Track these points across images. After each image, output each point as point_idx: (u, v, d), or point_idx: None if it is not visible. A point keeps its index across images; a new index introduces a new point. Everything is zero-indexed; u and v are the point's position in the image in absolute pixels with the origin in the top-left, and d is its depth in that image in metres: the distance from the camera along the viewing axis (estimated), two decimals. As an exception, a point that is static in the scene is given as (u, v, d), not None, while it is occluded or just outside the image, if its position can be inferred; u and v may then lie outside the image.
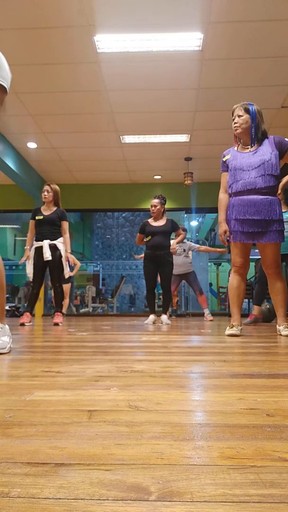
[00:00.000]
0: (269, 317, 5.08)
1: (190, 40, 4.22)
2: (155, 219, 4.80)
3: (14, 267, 14.45)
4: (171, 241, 4.82)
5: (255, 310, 4.67)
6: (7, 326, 1.84)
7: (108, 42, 4.24)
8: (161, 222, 4.75)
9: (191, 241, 6.72)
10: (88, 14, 3.86)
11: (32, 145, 6.90)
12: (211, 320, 5.74)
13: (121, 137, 6.57)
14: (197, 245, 5.99)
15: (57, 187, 4.57)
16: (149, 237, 4.71)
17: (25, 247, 4.61)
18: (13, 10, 3.80)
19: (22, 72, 4.79)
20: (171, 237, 4.93)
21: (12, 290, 10.94)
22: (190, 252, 6.00)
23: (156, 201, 4.74)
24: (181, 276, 5.93)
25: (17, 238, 16.22)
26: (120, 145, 6.88)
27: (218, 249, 5.79)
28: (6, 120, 6.05)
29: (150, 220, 4.82)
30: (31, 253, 4.47)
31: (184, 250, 5.94)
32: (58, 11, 3.82)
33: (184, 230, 5.55)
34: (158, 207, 4.74)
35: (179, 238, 4.91)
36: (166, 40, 4.22)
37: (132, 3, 3.73)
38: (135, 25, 4.02)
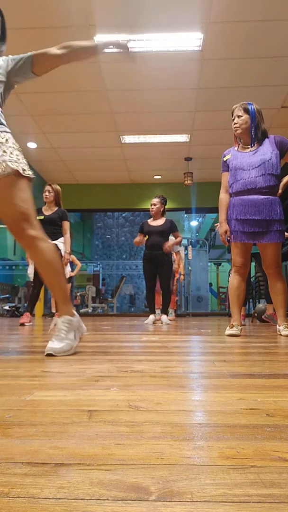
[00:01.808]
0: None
1: (190, 40, 4.22)
2: (154, 219, 4.80)
3: (14, 267, 14.43)
4: (170, 237, 4.77)
5: (270, 308, 4.50)
6: (77, 317, 1.63)
7: (108, 42, 4.24)
8: (159, 222, 4.74)
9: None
10: (88, 14, 3.86)
11: (32, 145, 6.90)
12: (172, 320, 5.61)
13: (121, 137, 6.57)
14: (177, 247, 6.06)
15: (58, 187, 4.57)
16: (147, 237, 4.71)
17: None
18: (14, 10, 3.80)
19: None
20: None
21: (12, 290, 10.94)
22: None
23: (156, 200, 4.75)
24: None
25: (17, 238, 16.17)
26: (120, 145, 6.88)
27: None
28: (6, 120, 6.05)
29: (149, 220, 4.83)
30: None
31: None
32: (58, 11, 3.82)
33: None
34: (157, 206, 4.74)
35: (177, 240, 4.85)
36: (166, 40, 4.22)
37: (132, 3, 3.73)
38: (135, 25, 4.02)
